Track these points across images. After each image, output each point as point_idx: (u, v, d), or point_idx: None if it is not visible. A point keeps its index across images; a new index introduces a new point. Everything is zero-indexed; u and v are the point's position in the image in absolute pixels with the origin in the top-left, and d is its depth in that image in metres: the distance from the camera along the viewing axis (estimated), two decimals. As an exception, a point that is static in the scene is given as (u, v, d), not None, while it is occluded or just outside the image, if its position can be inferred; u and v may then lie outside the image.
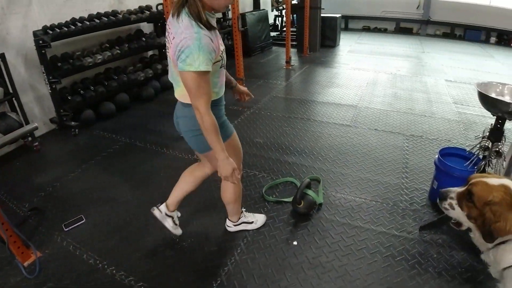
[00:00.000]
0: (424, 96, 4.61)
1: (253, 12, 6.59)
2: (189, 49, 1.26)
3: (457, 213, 1.31)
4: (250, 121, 3.74)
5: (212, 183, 2.54)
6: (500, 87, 1.74)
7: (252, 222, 2.12)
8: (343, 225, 2.16)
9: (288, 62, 6.03)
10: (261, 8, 7.43)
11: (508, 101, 1.55)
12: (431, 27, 9.87)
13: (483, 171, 1.79)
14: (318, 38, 7.21)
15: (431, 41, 9.07)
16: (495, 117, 1.69)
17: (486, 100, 1.64)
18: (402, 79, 5.40)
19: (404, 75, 5.68)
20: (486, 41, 9.30)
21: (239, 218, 2.09)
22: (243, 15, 6.17)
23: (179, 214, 2.07)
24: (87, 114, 3.63)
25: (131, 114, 3.99)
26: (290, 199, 2.32)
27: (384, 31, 10.37)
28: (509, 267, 1.20)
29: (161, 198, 2.39)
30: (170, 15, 1.38)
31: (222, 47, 1.46)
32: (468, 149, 2.19)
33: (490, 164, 1.72)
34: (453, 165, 2.21)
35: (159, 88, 4.47)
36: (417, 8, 9.69)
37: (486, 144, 1.68)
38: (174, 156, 3.03)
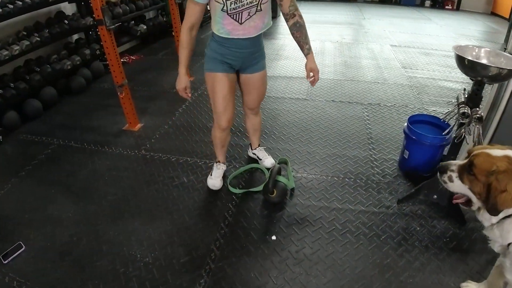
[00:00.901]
0: (373, 63, 4.65)
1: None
2: None
3: (457, 185, 1.23)
4: (199, 104, 3.41)
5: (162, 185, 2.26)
6: (476, 50, 1.68)
7: (210, 175, 2.22)
8: (321, 208, 2.04)
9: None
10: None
11: (489, 64, 1.48)
12: (367, -7, 10.08)
13: (462, 138, 1.75)
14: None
15: (369, 7, 9.29)
16: (473, 81, 1.63)
17: (465, 64, 1.56)
18: (349, 47, 5.40)
19: (349, 42, 5.70)
20: (422, 5, 9.80)
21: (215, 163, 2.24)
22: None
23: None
24: (10, 117, 2.99)
25: (61, 110, 3.40)
26: (259, 188, 2.13)
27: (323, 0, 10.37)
28: None
29: (110, 209, 2.05)
30: None
31: None
32: (438, 116, 2.17)
33: (468, 131, 1.68)
34: (423, 132, 2.19)
35: (90, 76, 3.87)
36: (353, -27, 9.78)
37: (465, 110, 1.62)
38: (119, 154, 2.63)
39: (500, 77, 1.51)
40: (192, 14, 1.61)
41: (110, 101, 3.49)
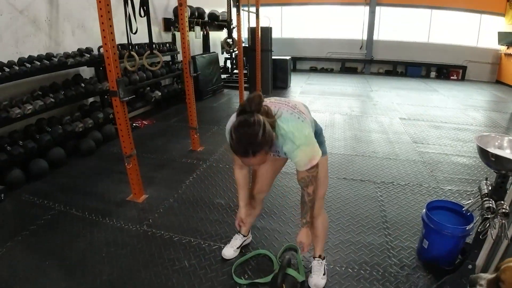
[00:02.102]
0: (384, 137, 4.70)
1: (204, 55, 6.50)
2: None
3: None
4: (207, 177, 3.39)
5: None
6: (499, 140, 1.67)
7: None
8: (334, 306, 1.86)
9: (243, 105, 5.91)
10: (211, 51, 7.40)
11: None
12: (374, 65, 10.71)
13: (485, 232, 1.65)
14: (270, 80, 7.32)
15: (376, 79, 9.77)
16: (497, 174, 1.59)
17: (489, 158, 1.53)
18: (358, 120, 5.53)
19: (358, 115, 5.85)
20: (427, 76, 10.31)
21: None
22: (193, 58, 6.03)
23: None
24: (14, 175, 3.02)
25: (67, 172, 3.42)
26: (266, 280, 1.98)
27: (331, 71, 11.03)
28: None
29: (103, 292, 1.91)
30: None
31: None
32: (456, 200, 2.09)
33: (493, 225, 1.59)
34: (442, 220, 2.09)
35: (101, 139, 3.97)
36: (360, 48, 10.51)
37: (490, 204, 1.56)
38: (119, 228, 2.54)
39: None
40: (236, 159, 1.72)
41: (118, 166, 3.51)
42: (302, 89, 8.11)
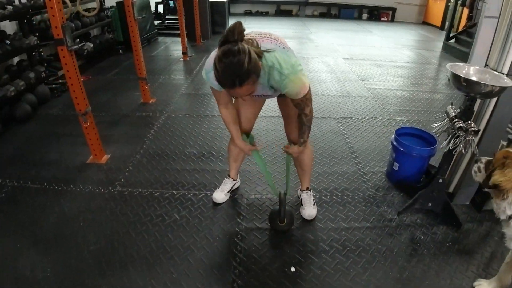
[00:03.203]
0: (333, 76, 4.91)
1: (134, -2, 5.79)
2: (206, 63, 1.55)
3: (481, 176, 1.55)
4: (170, 129, 3.24)
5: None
6: (466, 68, 1.85)
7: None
8: (330, 230, 2.04)
9: (185, 53, 5.58)
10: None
11: (485, 83, 1.64)
12: (309, 8, 10.76)
13: (456, 149, 1.90)
14: (209, 25, 6.94)
15: (312, 21, 9.88)
16: (467, 97, 1.79)
17: (461, 82, 1.71)
18: (305, 61, 5.65)
19: (305, 56, 5.96)
20: (359, 18, 10.76)
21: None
22: (122, 3, 5.34)
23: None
24: None
25: (8, 143, 2.95)
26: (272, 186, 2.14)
27: (266, 14, 10.81)
28: None
29: (95, 261, 1.80)
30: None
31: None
32: (419, 126, 2.33)
33: (464, 143, 1.83)
34: (409, 144, 2.36)
35: (36, 102, 3.46)
36: (294, -11, 10.35)
37: (461, 124, 1.77)
38: (89, 193, 2.35)
39: (492, 94, 1.68)
40: (221, 98, 1.69)
41: (63, 129, 3.17)
42: (242, 34, 7.88)
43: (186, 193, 2.35)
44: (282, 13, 10.82)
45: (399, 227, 2.10)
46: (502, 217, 1.43)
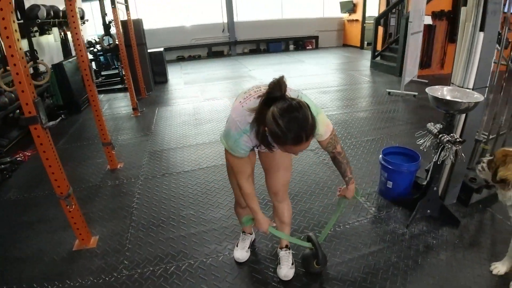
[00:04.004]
0: (289, 109, 5.20)
1: (70, 60, 5.57)
2: (228, 131, 1.46)
3: (486, 174, 1.83)
4: (154, 193, 3.09)
5: None
6: (440, 90, 2.16)
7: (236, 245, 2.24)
8: (359, 258, 2.13)
9: (135, 108, 5.46)
10: (74, 54, 6.38)
11: (462, 101, 1.95)
12: (239, 46, 11.36)
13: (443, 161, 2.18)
14: (151, 76, 6.94)
15: (245, 59, 10.42)
16: (448, 114, 2.09)
17: (443, 102, 2.00)
18: (258, 98, 5.90)
19: (254, 94, 6.22)
20: (287, 49, 11.63)
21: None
22: (59, 65, 5.12)
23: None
24: None
25: None
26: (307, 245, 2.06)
27: (199, 57, 11.12)
28: None
29: None
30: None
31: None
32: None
33: (452, 153, 2.10)
34: (396, 161, 2.62)
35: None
36: (223, 31, 10.90)
37: (448, 138, 2.05)
38: (93, 286, 2.11)
39: (469, 109, 2.00)
40: (244, 167, 1.59)
41: (31, 215, 2.85)
42: (183, 79, 7.97)
43: (205, 260, 2.24)
44: (214, 54, 11.23)
45: (413, 238, 2.29)
46: (509, 203, 1.73)
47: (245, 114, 1.37)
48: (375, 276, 1.99)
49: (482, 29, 2.00)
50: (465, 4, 2.09)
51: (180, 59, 10.90)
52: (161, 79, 7.60)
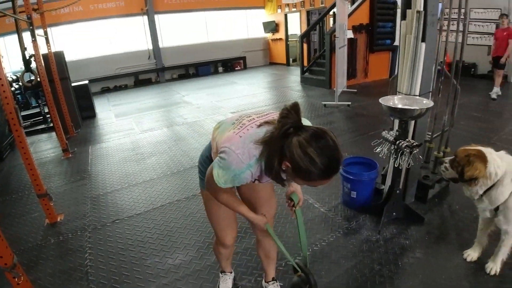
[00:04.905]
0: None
1: (-22, 105, 4.84)
2: (228, 166, 1.23)
3: (449, 172, 1.97)
4: (108, 244, 2.75)
5: None
6: (392, 100, 2.32)
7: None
8: (338, 278, 2.14)
9: (66, 149, 4.94)
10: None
11: (415, 108, 2.12)
12: (167, 72, 11.13)
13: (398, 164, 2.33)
14: (78, 111, 6.40)
15: (176, 85, 10.23)
16: (402, 121, 2.25)
17: (397, 111, 2.16)
18: (200, 125, 5.80)
19: (194, 121, 6.10)
20: (216, 72, 11.73)
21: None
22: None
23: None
24: None
25: None
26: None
27: (125, 87, 10.61)
28: (503, 203, 1.83)
29: None
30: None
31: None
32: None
33: (410, 156, 2.27)
34: (355, 171, 2.75)
35: None
36: (148, 58, 10.58)
37: (406, 143, 2.20)
38: None
39: (420, 115, 2.18)
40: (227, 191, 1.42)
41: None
42: (113, 112, 7.49)
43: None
44: (142, 83, 10.82)
45: (387, 242, 2.41)
46: (476, 197, 1.90)
47: (250, 147, 1.22)
48: (366, 281, 2.03)
49: (423, 40, 2.23)
50: (404, 18, 2.32)
51: (106, 90, 10.27)
52: (89, 114, 7.05)
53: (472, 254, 2.13)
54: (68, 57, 7.60)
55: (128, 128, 6.09)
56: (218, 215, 1.69)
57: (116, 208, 3.35)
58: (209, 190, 1.43)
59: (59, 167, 4.61)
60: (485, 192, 1.85)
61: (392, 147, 2.35)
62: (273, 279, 2.02)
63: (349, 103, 5.98)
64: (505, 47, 5.79)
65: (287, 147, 1.13)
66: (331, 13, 8.15)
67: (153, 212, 3.16)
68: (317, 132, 1.13)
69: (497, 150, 1.90)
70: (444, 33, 2.89)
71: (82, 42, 9.82)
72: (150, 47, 10.50)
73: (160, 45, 10.64)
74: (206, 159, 1.55)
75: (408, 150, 2.24)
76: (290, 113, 1.14)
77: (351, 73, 7.46)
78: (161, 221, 3.00)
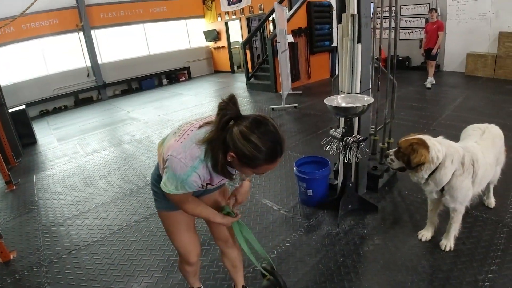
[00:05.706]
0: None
1: None
2: (172, 173, 1.24)
3: (396, 163, 2.11)
4: (68, 277, 2.55)
5: None
6: (335, 99, 2.44)
7: None
8: (305, 275, 2.21)
9: (9, 181, 4.50)
10: None
11: (357, 105, 2.26)
12: (109, 89, 10.63)
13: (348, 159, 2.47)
14: (17, 139, 5.88)
15: (119, 101, 9.80)
16: (347, 119, 2.39)
17: (341, 109, 2.29)
18: (149, 142, 5.60)
19: (142, 137, 5.88)
20: (160, 84, 11.43)
21: None
22: None
23: None
24: None
25: None
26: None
27: (65, 108, 9.95)
28: (447, 183, 2.01)
29: None
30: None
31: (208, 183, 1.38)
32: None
33: (357, 151, 2.41)
34: (312, 170, 2.85)
35: None
36: (88, 76, 10.03)
37: (354, 139, 2.34)
38: None
39: (363, 111, 2.33)
40: (188, 197, 1.41)
41: None
42: (54, 136, 6.97)
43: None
44: (83, 102, 10.20)
45: (347, 233, 2.54)
46: (422, 181, 2.06)
47: (192, 148, 1.22)
48: (332, 281, 2.11)
49: (359, 41, 2.38)
50: (340, 22, 2.46)
51: (45, 113, 9.53)
52: (29, 141, 6.51)
53: (426, 234, 2.31)
54: (2, 82, 6.99)
55: (72, 152, 5.71)
56: (178, 234, 1.66)
57: (71, 238, 3.13)
58: (175, 204, 1.42)
59: (4, 201, 4.19)
60: (429, 175, 2.01)
61: (341, 144, 2.49)
62: (243, 287, 2.03)
63: (296, 104, 6.19)
64: (436, 39, 6.25)
65: (230, 138, 1.15)
66: (270, 19, 8.37)
67: (110, 237, 3.00)
68: (257, 118, 1.16)
69: (437, 135, 2.10)
70: (377, 31, 3.11)
71: (15, 64, 9.04)
72: (89, 64, 9.95)
73: (99, 61, 10.13)
74: (158, 178, 1.49)
75: (355, 145, 2.39)
76: (228, 104, 1.17)
77: (295, 76, 7.71)
78: (120, 245, 2.86)
